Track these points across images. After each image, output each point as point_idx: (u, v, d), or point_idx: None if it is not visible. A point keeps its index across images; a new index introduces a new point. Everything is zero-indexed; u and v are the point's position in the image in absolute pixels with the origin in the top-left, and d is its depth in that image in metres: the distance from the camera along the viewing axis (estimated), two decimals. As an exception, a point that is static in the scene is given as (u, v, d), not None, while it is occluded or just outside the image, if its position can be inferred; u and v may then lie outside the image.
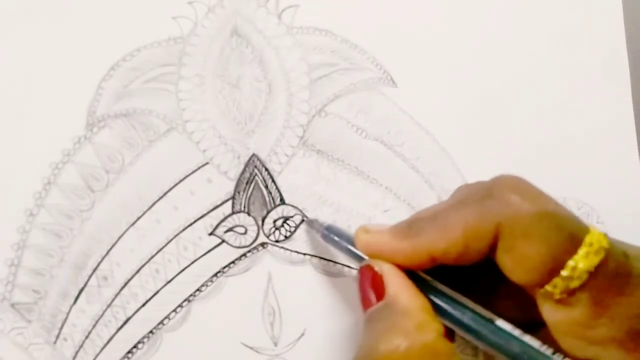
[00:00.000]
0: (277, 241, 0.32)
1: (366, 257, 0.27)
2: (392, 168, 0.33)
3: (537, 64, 0.35)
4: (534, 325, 0.25)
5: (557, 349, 0.24)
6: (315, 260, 0.32)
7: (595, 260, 0.22)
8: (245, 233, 0.32)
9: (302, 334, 0.32)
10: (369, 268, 0.26)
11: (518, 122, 0.35)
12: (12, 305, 0.31)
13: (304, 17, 0.33)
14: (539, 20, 0.35)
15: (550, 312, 0.24)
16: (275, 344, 0.32)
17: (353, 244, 0.28)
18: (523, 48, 0.35)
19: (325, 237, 0.30)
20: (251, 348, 0.32)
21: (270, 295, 0.32)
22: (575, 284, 0.23)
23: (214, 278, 0.32)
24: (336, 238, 0.29)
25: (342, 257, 0.32)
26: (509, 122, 0.34)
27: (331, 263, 0.32)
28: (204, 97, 0.32)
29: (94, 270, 0.31)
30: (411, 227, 0.26)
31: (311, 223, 0.32)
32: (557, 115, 0.35)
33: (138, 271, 0.31)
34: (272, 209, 0.32)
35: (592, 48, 0.35)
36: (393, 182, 0.33)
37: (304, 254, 0.32)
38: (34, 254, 0.31)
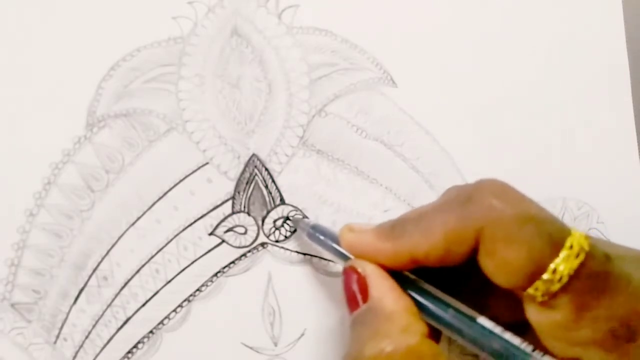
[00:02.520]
0: (277, 241, 0.32)
1: (351, 256, 0.27)
2: (392, 168, 0.33)
3: (537, 64, 0.35)
4: (525, 325, 0.25)
5: (541, 347, 0.24)
6: (315, 260, 0.32)
7: (575, 263, 0.22)
8: (245, 233, 0.32)
9: (302, 334, 0.32)
10: (352, 269, 0.26)
11: (518, 122, 0.35)
12: (12, 305, 0.31)
13: (304, 17, 0.33)
14: (540, 20, 0.35)
15: (533, 314, 0.24)
16: (275, 344, 0.32)
17: (339, 243, 0.28)
18: (523, 48, 0.35)
19: (311, 236, 0.30)
20: (251, 348, 0.32)
21: (270, 295, 0.32)
22: (556, 287, 0.23)
23: (214, 278, 0.32)
24: (321, 237, 0.29)
25: (328, 255, 0.32)
26: (509, 122, 0.34)
27: (331, 263, 0.32)
28: (204, 97, 0.32)
29: (94, 270, 0.31)
30: (395, 228, 0.26)
31: (297, 222, 0.32)
32: (557, 115, 0.35)
33: (138, 271, 0.31)
34: (272, 209, 0.32)
35: (592, 48, 0.35)
36: (393, 182, 0.33)
37: (304, 254, 0.32)
38: (34, 254, 0.31)
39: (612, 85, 0.35)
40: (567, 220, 0.34)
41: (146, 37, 0.32)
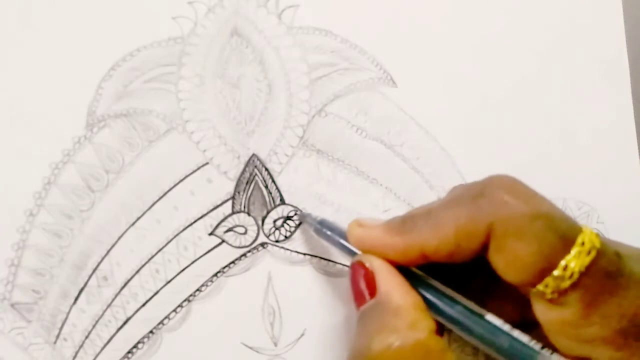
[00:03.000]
0: (277, 241, 0.32)
1: (359, 252, 0.27)
2: (392, 168, 0.33)
3: (537, 64, 0.35)
4: (529, 324, 0.25)
5: (549, 345, 0.24)
6: (315, 260, 0.32)
7: (586, 260, 0.22)
8: (245, 233, 0.32)
9: (302, 334, 0.32)
10: (360, 264, 0.26)
11: (518, 122, 0.35)
12: (12, 305, 0.31)
13: (304, 17, 0.33)
14: (539, 20, 0.35)
15: (542, 312, 0.24)
16: (275, 344, 0.32)
17: (346, 239, 0.28)
18: (523, 48, 0.35)
19: (318, 232, 0.30)
20: (251, 348, 0.32)
21: (270, 295, 0.32)
22: (566, 283, 0.23)
23: (214, 278, 0.32)
24: (329, 232, 0.29)
25: (337, 253, 0.32)
26: (509, 122, 0.34)
27: (331, 263, 0.32)
28: (204, 97, 0.32)
29: (94, 270, 0.31)
30: (404, 223, 0.26)
31: (304, 217, 0.32)
32: (557, 115, 0.35)
33: (138, 271, 0.31)
34: (272, 209, 0.32)
35: (592, 48, 0.35)
36: (393, 182, 0.33)
37: (304, 254, 0.32)
38: (34, 254, 0.31)
39: (612, 85, 0.35)
40: (567, 220, 0.34)
41: (146, 37, 0.32)
